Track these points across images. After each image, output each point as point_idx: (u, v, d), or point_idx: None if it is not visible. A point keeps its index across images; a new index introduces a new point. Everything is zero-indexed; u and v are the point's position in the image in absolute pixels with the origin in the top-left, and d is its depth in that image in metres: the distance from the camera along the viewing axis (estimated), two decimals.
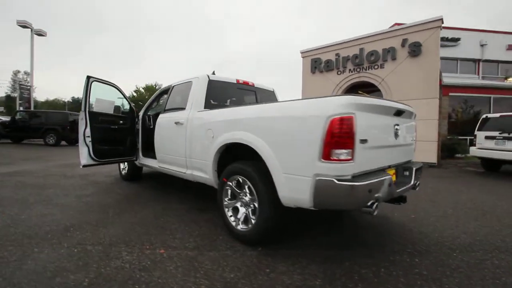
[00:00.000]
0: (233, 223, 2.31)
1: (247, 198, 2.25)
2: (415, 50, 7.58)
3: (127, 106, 4.20)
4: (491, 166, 6.52)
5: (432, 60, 7.38)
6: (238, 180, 2.28)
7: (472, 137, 6.78)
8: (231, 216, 2.36)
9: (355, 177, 1.68)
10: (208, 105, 2.98)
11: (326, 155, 1.64)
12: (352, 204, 1.67)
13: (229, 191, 2.39)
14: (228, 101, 3.33)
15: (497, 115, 6.17)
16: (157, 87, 30.68)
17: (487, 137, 6.02)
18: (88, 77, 3.42)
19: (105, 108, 3.76)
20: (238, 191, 2.31)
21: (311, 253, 2.08)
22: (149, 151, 4.24)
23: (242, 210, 2.29)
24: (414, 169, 2.33)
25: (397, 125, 2.14)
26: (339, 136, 1.61)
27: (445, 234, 2.55)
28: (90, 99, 3.46)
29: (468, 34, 13.85)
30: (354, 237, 2.46)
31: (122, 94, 3.99)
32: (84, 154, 3.45)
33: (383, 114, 1.98)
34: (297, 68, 10.74)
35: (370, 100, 1.79)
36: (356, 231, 2.61)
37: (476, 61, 14.45)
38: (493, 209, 3.45)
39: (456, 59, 14.07)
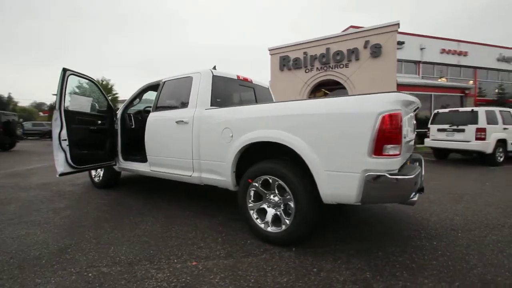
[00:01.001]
0: (262, 225, 2.21)
1: (276, 198, 2.18)
2: (376, 51, 8.29)
3: (103, 104, 3.68)
4: (441, 155, 7.54)
5: (391, 61, 8.18)
6: (265, 180, 2.19)
7: (421, 130, 7.72)
8: (257, 218, 2.26)
9: (399, 171, 1.75)
10: (214, 103, 2.80)
11: (378, 151, 1.66)
12: (402, 197, 1.73)
13: (253, 193, 2.28)
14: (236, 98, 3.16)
15: (447, 110, 7.13)
16: (103, 82, 27.62)
17: (439, 130, 6.92)
18: (64, 70, 2.89)
19: (81, 106, 3.23)
20: (266, 191, 2.22)
21: (343, 248, 2.11)
22: (132, 154, 3.83)
23: (270, 211, 2.21)
24: (422, 160, 2.53)
25: (414, 119, 2.30)
26: (390, 132, 1.65)
27: (442, 217, 2.84)
28: (66, 96, 2.94)
29: (410, 38, 15.68)
30: (367, 230, 2.57)
31: (100, 90, 3.49)
32: (60, 160, 2.92)
33: (409, 110, 2.10)
34: (261, 65, 10.79)
35: (407, 97, 1.87)
36: (363, 224, 2.73)
37: (416, 62, 16.47)
38: (463, 191, 3.98)
39: (401, 60, 15.84)
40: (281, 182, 2.07)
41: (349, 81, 8.83)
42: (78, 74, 3.10)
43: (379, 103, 1.69)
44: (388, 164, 1.68)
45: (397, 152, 1.69)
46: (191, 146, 2.71)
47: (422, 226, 2.60)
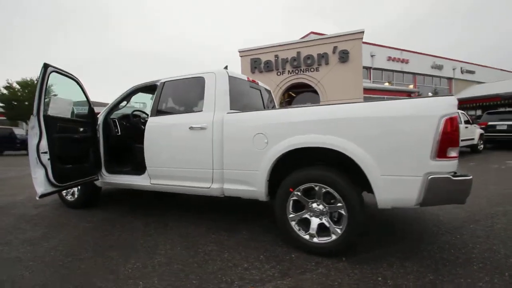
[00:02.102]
0: (306, 237, 2.07)
1: (320, 206, 2.07)
2: (343, 56, 8.81)
3: (83, 108, 3.09)
4: None
5: (357, 66, 8.77)
6: (308, 189, 2.06)
7: None
8: (299, 229, 2.11)
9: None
10: (233, 106, 2.56)
11: (441, 153, 1.67)
12: (463, 198, 1.76)
13: (292, 202, 2.13)
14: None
15: None
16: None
17: None
18: (46, 66, 2.33)
19: (62, 110, 2.65)
20: (309, 200, 2.08)
21: (387, 252, 2.09)
22: (119, 166, 3.33)
23: (314, 220, 2.08)
24: None
25: None
26: (452, 134, 1.67)
27: (446, 211, 3.06)
28: (45, 98, 2.36)
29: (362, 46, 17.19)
30: (391, 231, 2.62)
31: (83, 90, 2.92)
32: (39, 178, 2.34)
33: None
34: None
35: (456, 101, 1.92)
36: (383, 226, 2.80)
37: (368, 68, 18.11)
38: None
39: None
40: (330, 189, 1.96)
41: (320, 84, 9.21)
42: (61, 72, 2.54)
43: (442, 106, 1.70)
44: (450, 166, 1.70)
45: (457, 154, 1.72)
46: (211, 155, 2.42)
47: (437, 223, 2.75)
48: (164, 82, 2.91)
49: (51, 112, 2.49)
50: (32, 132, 2.31)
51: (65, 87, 2.72)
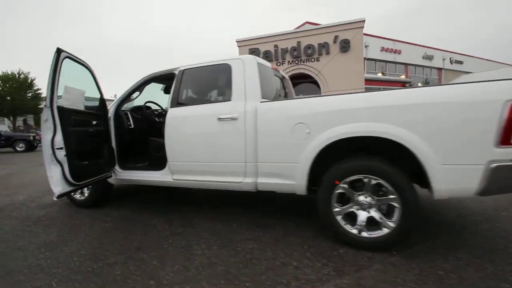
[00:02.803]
0: (353, 231, 1.96)
1: (368, 199, 1.96)
2: (345, 46, 8.69)
3: (93, 98, 2.83)
4: None
5: (359, 55, 8.68)
6: (355, 181, 1.95)
7: None
8: (346, 223, 2.00)
9: None
10: (264, 94, 2.39)
11: (506, 140, 1.58)
12: None
13: (337, 195, 2.01)
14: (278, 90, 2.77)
15: None
16: (21, 76, 22.43)
17: None
18: (59, 51, 2.07)
19: (75, 101, 2.39)
20: (355, 192, 1.97)
21: (434, 245, 2.01)
22: (133, 161, 3.12)
23: (362, 214, 1.97)
24: None
25: None
26: None
27: (472, 200, 3.03)
28: (59, 87, 2.11)
29: None
30: (427, 223, 2.57)
31: (95, 79, 2.66)
32: (55, 177, 2.11)
33: None
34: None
35: None
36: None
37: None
38: None
39: None
40: (382, 181, 1.85)
41: (320, 75, 9.10)
42: (74, 58, 2.28)
43: (506, 89, 1.60)
44: None
45: None
46: (244, 147, 2.26)
47: (467, 210, 2.71)
48: (184, 70, 2.69)
49: (64, 103, 2.24)
50: (45, 126, 2.06)
51: (73, 76, 2.45)
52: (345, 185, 1.97)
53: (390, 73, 19.57)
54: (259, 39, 9.49)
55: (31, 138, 13.37)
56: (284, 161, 2.15)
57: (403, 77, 20.32)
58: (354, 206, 2.00)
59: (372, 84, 14.33)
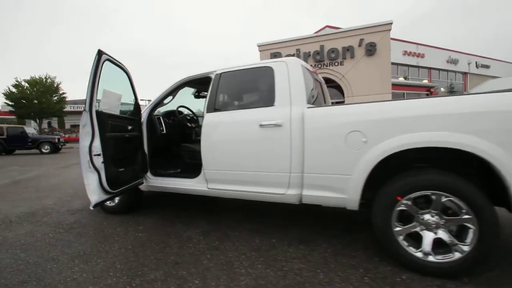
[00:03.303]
0: (418, 254, 1.73)
1: (434, 218, 1.72)
2: (370, 49, 8.39)
3: (129, 103, 2.76)
4: None
5: (385, 59, 8.35)
6: (421, 197, 1.72)
7: None
8: (408, 245, 1.77)
9: None
10: (309, 100, 2.22)
11: None
12: None
13: (398, 213, 1.78)
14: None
15: None
16: (48, 81, 23.50)
17: None
18: (100, 53, 2.00)
19: (112, 106, 2.32)
20: (419, 210, 1.74)
21: (506, 270, 1.75)
22: (165, 168, 3.01)
23: (428, 235, 1.74)
24: None
25: None
26: None
27: None
28: (98, 91, 2.04)
29: None
30: None
31: (131, 83, 2.59)
32: (92, 185, 2.03)
33: None
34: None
35: None
36: None
37: None
38: None
39: None
40: (455, 199, 1.62)
41: (344, 79, 8.83)
42: (114, 61, 2.21)
43: None
44: None
45: None
46: (289, 156, 2.09)
47: None
48: (221, 74, 2.57)
49: (102, 107, 2.16)
50: (84, 131, 1.99)
51: (109, 79, 2.38)
52: (409, 202, 1.75)
53: (413, 77, 18.88)
54: (281, 43, 9.36)
55: (56, 140, 13.84)
56: (334, 172, 1.96)
57: (425, 81, 19.56)
58: (418, 226, 1.76)
59: (393, 89, 13.84)
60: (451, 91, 19.87)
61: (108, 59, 2.12)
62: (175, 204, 3.44)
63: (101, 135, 2.04)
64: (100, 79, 2.01)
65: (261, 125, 2.18)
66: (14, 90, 22.78)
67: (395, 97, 13.89)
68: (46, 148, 13.41)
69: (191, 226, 2.65)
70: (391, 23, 8.17)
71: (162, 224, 2.74)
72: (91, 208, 2.02)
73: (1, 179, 5.78)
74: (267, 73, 2.33)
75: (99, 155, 2.02)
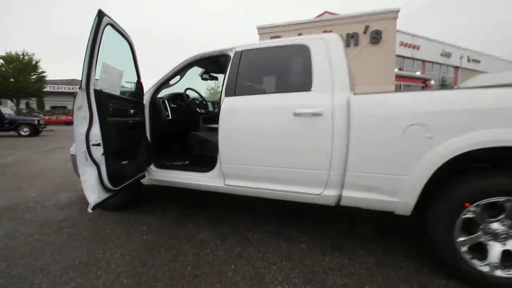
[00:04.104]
0: (484, 268, 1.49)
1: (504, 227, 1.48)
2: (376, 37, 8.07)
3: (128, 82, 2.32)
4: None
5: (390, 48, 8.08)
6: (490, 204, 1.47)
7: None
8: (472, 258, 1.53)
9: None
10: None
11: None
12: None
13: (462, 221, 1.53)
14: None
15: None
16: (25, 58, 21.61)
17: None
18: (101, 14, 1.56)
19: (112, 84, 1.88)
20: (490, 219, 1.49)
21: None
22: (171, 159, 2.64)
23: (496, 246, 1.50)
24: None
25: None
26: None
27: None
28: (96, 67, 1.60)
29: None
30: None
31: (134, 56, 2.15)
32: (90, 182, 1.63)
33: None
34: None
35: None
36: None
37: None
38: None
39: None
40: None
41: None
42: (117, 26, 1.76)
43: None
44: None
45: None
46: (329, 151, 1.77)
47: None
48: (242, 52, 2.18)
49: (101, 86, 1.73)
50: (79, 115, 1.57)
51: (109, 51, 1.93)
52: (477, 209, 1.49)
53: (407, 69, 18.86)
54: (282, 26, 8.82)
55: (36, 122, 12.88)
56: (386, 172, 1.67)
57: (418, 73, 19.61)
58: (483, 236, 1.52)
59: (398, 81, 13.70)
60: (443, 84, 20.10)
61: (110, 23, 1.68)
62: (179, 197, 3.08)
63: (101, 121, 1.63)
64: (99, 50, 1.58)
65: (295, 114, 1.84)
66: None
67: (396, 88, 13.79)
68: (25, 131, 12.46)
69: (203, 227, 2.32)
70: (398, 11, 7.85)
71: (169, 223, 2.40)
72: (90, 210, 1.64)
73: None
74: (301, 52, 1.97)
75: (98, 145, 1.62)
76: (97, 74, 1.69)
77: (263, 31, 9.39)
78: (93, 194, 1.62)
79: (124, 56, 2.04)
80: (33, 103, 30.02)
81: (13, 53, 21.75)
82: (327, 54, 1.88)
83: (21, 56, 22.03)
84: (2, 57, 21.35)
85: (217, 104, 3.31)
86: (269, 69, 2.14)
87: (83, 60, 1.52)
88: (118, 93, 1.98)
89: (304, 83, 1.92)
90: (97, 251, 1.93)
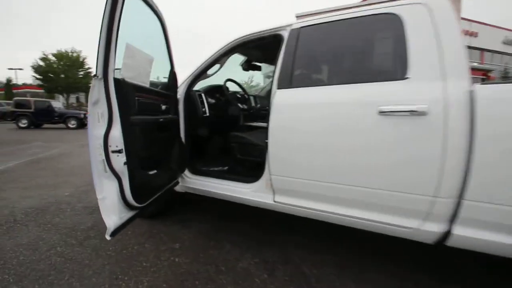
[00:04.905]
0: None
1: None
2: None
3: (161, 70, 1.94)
4: None
5: None
6: None
7: None
8: None
9: None
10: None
11: None
12: None
13: None
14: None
15: None
16: (73, 55, 23.29)
17: None
18: None
19: (139, 72, 1.51)
20: None
21: None
22: (207, 164, 2.24)
23: None
24: None
25: None
26: None
27: None
28: (117, 48, 1.22)
29: None
30: None
31: (167, 39, 1.75)
32: (111, 199, 1.27)
33: None
34: None
35: None
36: None
37: None
38: None
39: None
40: None
41: None
42: None
43: None
44: None
45: None
46: (437, 168, 1.20)
47: None
48: (300, 29, 1.67)
49: (124, 74, 1.35)
50: (95, 112, 1.21)
51: (132, 30, 1.54)
52: None
53: None
54: (324, 13, 8.00)
55: (82, 115, 13.67)
56: None
57: (475, 64, 17.19)
58: None
59: None
60: (505, 77, 17.38)
61: None
62: (216, 207, 2.70)
63: (123, 120, 1.26)
64: (120, 25, 1.19)
65: (381, 112, 1.29)
66: (41, 63, 22.95)
67: None
68: (72, 124, 13.30)
69: (245, 250, 1.89)
70: None
71: (204, 242, 2.01)
72: (108, 237, 1.28)
73: (22, 157, 5.37)
74: (389, 24, 1.41)
75: (120, 151, 1.25)
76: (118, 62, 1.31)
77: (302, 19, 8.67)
78: (113, 215, 1.25)
79: (153, 38, 1.64)
80: (82, 97, 32.53)
81: (63, 50, 23.55)
82: (431, 25, 1.29)
83: (70, 53, 23.76)
84: (54, 55, 23.22)
85: (259, 98, 2.85)
86: (339, 51, 1.60)
87: (99, 38, 1.14)
88: (147, 85, 1.60)
89: (394, 69, 1.36)
90: (121, 276, 1.59)
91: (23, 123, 12.77)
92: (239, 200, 1.92)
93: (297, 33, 1.67)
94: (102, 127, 1.21)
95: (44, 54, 23.09)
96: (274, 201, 1.71)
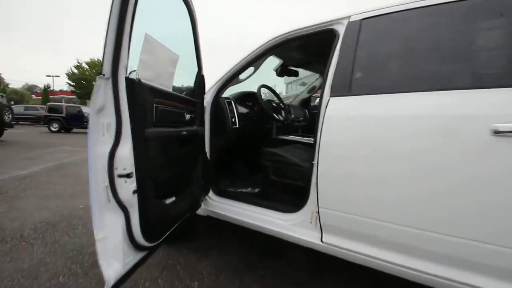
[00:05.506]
0: None
1: None
2: None
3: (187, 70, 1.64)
4: None
5: None
6: None
7: None
8: None
9: None
10: None
11: None
12: None
13: None
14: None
15: None
16: None
17: None
18: None
19: (160, 73, 1.21)
20: None
21: None
22: (235, 184, 1.89)
23: None
24: None
25: None
26: None
27: None
28: (131, 39, 0.93)
29: None
30: None
31: (195, 35, 1.46)
32: (112, 240, 0.95)
33: None
34: None
35: None
36: None
37: None
38: None
39: None
40: None
41: None
42: None
43: None
44: None
45: None
46: None
47: None
48: (361, 22, 1.30)
49: (141, 74, 1.05)
50: (98, 123, 0.91)
51: (151, 20, 1.25)
52: None
53: None
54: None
55: None
56: None
57: None
58: None
59: None
60: None
61: None
62: (245, 233, 2.33)
63: (135, 133, 0.94)
64: (137, 9, 0.90)
65: (496, 132, 0.87)
66: (75, 71, 24.38)
67: None
68: None
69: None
70: None
71: (228, 282, 1.64)
72: None
73: (47, 161, 5.39)
74: (494, 10, 1.00)
75: (128, 175, 0.93)
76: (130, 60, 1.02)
77: None
78: (115, 261, 0.93)
79: (178, 31, 1.35)
80: None
81: (95, 59, 24.94)
82: None
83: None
84: (87, 63, 24.61)
85: (293, 108, 2.49)
86: (419, 47, 1.20)
87: (106, 27, 0.85)
88: (170, 89, 1.30)
89: (509, 71, 0.94)
90: None
91: (55, 127, 13.38)
92: (273, 233, 1.55)
93: (358, 27, 1.30)
94: (108, 143, 0.91)
95: (78, 62, 24.54)
96: (323, 242, 1.32)
